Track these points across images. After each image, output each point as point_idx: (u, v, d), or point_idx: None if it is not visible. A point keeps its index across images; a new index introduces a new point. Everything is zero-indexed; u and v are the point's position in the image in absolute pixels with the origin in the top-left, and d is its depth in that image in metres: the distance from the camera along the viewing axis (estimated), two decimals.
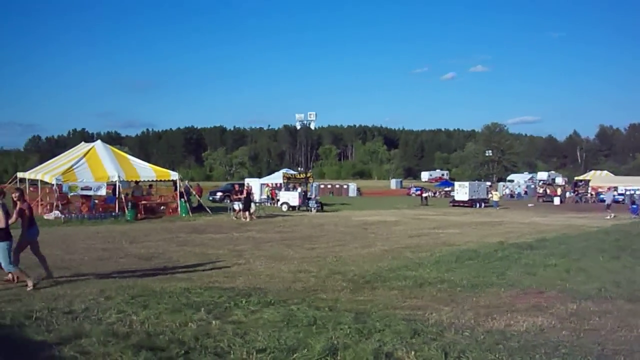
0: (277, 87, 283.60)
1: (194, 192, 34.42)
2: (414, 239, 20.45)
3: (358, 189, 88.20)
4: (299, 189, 42.78)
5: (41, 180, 30.36)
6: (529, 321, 7.88)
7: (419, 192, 66.68)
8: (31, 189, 32.93)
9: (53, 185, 27.62)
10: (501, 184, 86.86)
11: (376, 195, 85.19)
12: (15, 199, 11.37)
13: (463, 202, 48.82)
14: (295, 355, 6.08)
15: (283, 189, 44.05)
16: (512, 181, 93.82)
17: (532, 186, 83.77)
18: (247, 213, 28.83)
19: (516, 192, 77.32)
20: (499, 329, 7.49)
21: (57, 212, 26.76)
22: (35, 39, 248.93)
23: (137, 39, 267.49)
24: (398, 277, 11.97)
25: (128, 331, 6.93)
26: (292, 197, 40.58)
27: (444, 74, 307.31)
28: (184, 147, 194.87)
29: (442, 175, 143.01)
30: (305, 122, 48.43)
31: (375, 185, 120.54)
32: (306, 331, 7.00)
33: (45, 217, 26.87)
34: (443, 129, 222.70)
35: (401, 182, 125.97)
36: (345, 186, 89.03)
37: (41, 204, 29.60)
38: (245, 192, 30.48)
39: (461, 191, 50.44)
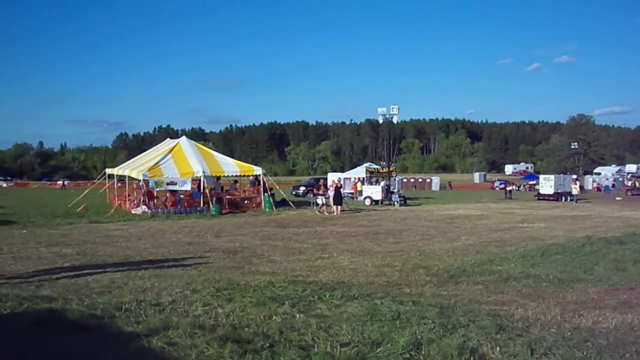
0: (359, 81, 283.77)
1: (277, 187, 34.97)
2: (499, 233, 20.13)
3: (449, 183, 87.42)
4: (382, 183, 42.64)
5: (129, 176, 31.54)
6: (618, 318, 7.57)
7: (503, 186, 65.52)
8: (119, 184, 34.30)
9: (140, 180, 28.63)
10: (588, 177, 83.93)
11: (460, 188, 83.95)
12: None
13: (548, 195, 47.42)
14: (379, 349, 6.07)
15: (366, 183, 44.06)
16: (599, 174, 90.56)
17: (620, 179, 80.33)
18: (336, 207, 29.06)
19: (603, 185, 74.41)
20: (587, 325, 7.23)
21: (144, 206, 27.75)
22: (124, 40, 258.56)
23: (222, 37, 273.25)
24: (483, 271, 11.85)
25: (214, 324, 7.12)
26: (375, 191, 40.51)
27: (529, 65, 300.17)
28: (267, 142, 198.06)
29: (527, 168, 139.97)
30: (387, 115, 48.26)
31: (459, 178, 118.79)
32: (390, 325, 6.99)
33: (132, 211, 27.97)
34: (527, 122, 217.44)
35: (485, 175, 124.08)
36: (428, 180, 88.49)
37: (129, 199, 30.79)
38: (335, 186, 30.66)
39: (546, 184, 49.02)
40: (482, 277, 11.15)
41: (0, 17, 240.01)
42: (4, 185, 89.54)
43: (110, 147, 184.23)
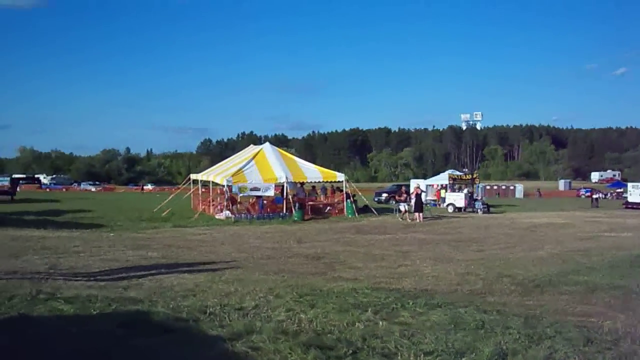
0: (442, 87, 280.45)
1: (359, 193, 34.98)
2: (585, 242, 19.44)
3: (538, 190, 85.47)
4: (465, 190, 42.01)
5: (213, 182, 32.23)
6: None
7: (589, 194, 63.37)
8: (203, 189, 35.12)
9: (224, 186, 29.20)
10: None
11: (544, 196, 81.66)
12: None
13: (637, 204, 45.26)
14: (463, 359, 5.99)
15: (449, 190, 43.56)
16: None
17: None
18: (418, 214, 28.83)
19: None
20: None
21: (227, 212, 28.29)
22: (207, 48, 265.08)
23: (304, 43, 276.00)
24: (568, 281, 11.46)
25: (297, 329, 7.14)
26: (457, 199, 40.00)
27: (616, 70, 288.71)
28: (349, 149, 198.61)
29: (614, 175, 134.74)
30: (470, 122, 47.95)
31: (543, 186, 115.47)
32: (474, 335, 6.87)
33: (216, 216, 28.55)
34: (614, 127, 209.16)
35: (570, 183, 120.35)
36: (511, 187, 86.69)
37: (212, 204, 31.46)
38: (415, 193, 30.41)
39: (635, 192, 46.83)
40: (567, 287, 10.79)
41: (93, 30, 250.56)
42: (93, 189, 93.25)
43: (194, 153, 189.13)
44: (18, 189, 54.44)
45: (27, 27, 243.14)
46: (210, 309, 8.11)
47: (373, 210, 32.75)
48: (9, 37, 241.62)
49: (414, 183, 45.69)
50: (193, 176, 37.65)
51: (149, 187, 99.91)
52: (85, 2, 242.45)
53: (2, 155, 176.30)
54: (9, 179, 74.03)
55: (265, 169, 30.51)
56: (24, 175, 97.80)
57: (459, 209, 38.75)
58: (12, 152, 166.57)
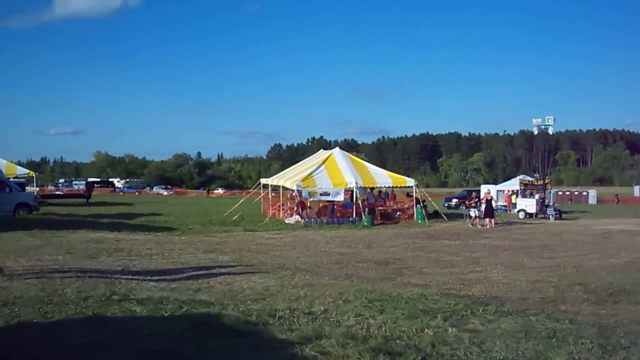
0: (513, 91, 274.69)
1: (429, 198, 34.71)
2: None
3: (616, 195, 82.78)
4: (537, 196, 41.13)
5: (283, 186, 32.57)
6: None
7: None
8: (273, 194, 35.52)
9: (294, 190, 29.48)
10: None
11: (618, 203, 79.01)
12: None
13: None
14: None
15: (520, 196, 42.76)
16: None
17: None
18: (489, 220, 28.43)
19: None
20: None
21: (297, 216, 28.53)
22: (277, 54, 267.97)
23: (376, 48, 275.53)
24: None
25: (366, 334, 7.13)
26: (529, 204, 39.24)
27: None
28: (419, 154, 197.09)
29: None
30: (542, 126, 47.11)
31: (617, 192, 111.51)
32: (545, 344, 6.71)
33: (286, 221, 28.83)
34: None
35: None
36: (584, 193, 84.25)
37: (282, 209, 31.78)
38: (485, 199, 29.98)
39: None
40: None
41: (165, 38, 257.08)
42: (165, 193, 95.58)
43: (264, 157, 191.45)
44: (93, 192, 56.30)
45: (103, 37, 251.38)
46: (280, 313, 8.19)
47: (443, 215, 32.44)
48: (85, 46, 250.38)
49: (484, 188, 45.02)
50: (263, 181, 38.16)
51: (220, 191, 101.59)
52: (157, 10, 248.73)
53: (78, 160, 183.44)
54: (84, 182, 76.79)
55: (335, 174, 30.62)
56: (98, 179, 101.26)
57: (530, 215, 38.04)
58: (88, 157, 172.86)
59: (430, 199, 35.15)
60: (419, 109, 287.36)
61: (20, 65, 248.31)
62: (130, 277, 11.63)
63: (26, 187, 40.86)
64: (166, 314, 8.19)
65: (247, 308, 8.62)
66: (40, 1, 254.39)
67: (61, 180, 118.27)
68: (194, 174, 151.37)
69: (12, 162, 48.57)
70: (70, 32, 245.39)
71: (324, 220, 28.91)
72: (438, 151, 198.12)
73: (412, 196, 32.25)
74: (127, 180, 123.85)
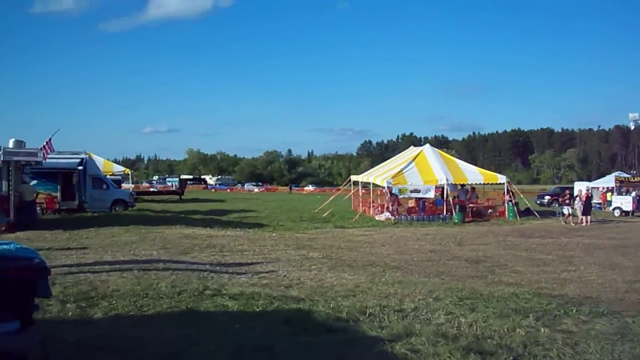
0: (608, 85, 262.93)
1: (521, 195, 33.90)
2: None
3: None
4: (633, 193, 39.31)
5: (373, 183, 32.56)
6: None
7: None
8: (364, 191, 35.57)
9: (384, 187, 29.43)
10: None
11: None
12: None
13: None
14: None
15: (615, 193, 41.03)
16: None
17: None
18: (585, 218, 27.56)
19: None
20: None
21: (387, 213, 28.47)
22: (367, 50, 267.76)
23: (465, 43, 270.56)
24: None
25: (456, 333, 7.09)
26: (625, 202, 37.55)
27: None
28: (511, 150, 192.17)
29: None
30: (639, 121, 44.29)
31: None
32: None
33: (376, 218, 28.81)
34: None
35: None
36: None
37: (373, 206, 31.79)
38: (585, 196, 29.00)
39: None
40: None
41: (254, 37, 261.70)
42: (256, 190, 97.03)
43: (354, 154, 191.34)
44: (186, 189, 57.83)
45: (194, 37, 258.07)
46: (370, 310, 8.23)
47: (535, 213, 31.55)
48: (178, 47, 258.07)
49: (578, 186, 43.49)
50: (353, 177, 38.28)
51: (310, 188, 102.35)
52: (248, 10, 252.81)
53: (171, 157, 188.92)
54: (177, 179, 79.01)
55: (426, 171, 30.36)
56: (191, 176, 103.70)
57: (627, 212, 36.42)
58: (181, 155, 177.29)
59: (522, 196, 34.32)
60: (511, 105, 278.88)
61: (117, 66, 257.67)
62: (222, 272, 11.97)
63: (122, 184, 42.34)
64: (258, 309, 8.38)
65: (337, 304, 8.71)
66: (135, 5, 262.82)
67: (155, 178, 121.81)
68: (284, 171, 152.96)
69: (109, 159, 50.57)
70: (163, 34, 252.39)
71: (415, 217, 28.71)
72: (530, 147, 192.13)
73: (510, 193, 31.49)
74: (219, 177, 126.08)
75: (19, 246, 5.18)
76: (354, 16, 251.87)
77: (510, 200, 30.75)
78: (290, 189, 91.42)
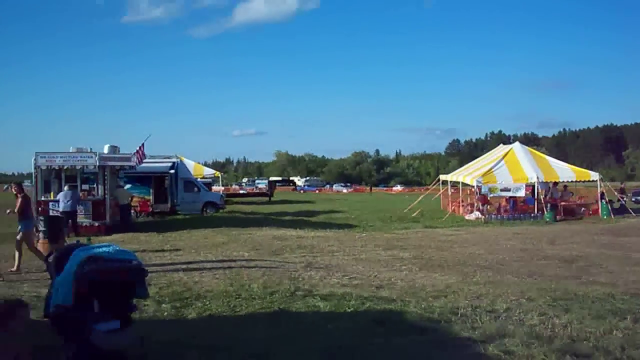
0: None
1: (615, 193, 32.57)
2: None
3: None
4: None
5: (462, 182, 32.11)
6: None
7: None
8: (453, 190, 35.11)
9: (473, 186, 28.97)
10: None
11: None
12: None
13: None
14: None
15: None
16: None
17: None
18: None
19: None
20: None
21: (477, 212, 28.01)
22: (452, 47, 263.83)
23: (552, 38, 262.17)
24: None
25: (551, 334, 6.92)
26: None
27: None
28: (603, 146, 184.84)
29: None
30: None
31: None
32: None
33: (466, 217, 28.38)
34: None
35: None
36: None
37: (462, 205, 31.34)
38: None
39: None
40: None
41: (338, 39, 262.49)
42: (344, 190, 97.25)
43: (442, 153, 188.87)
44: (275, 191, 58.55)
45: (281, 40, 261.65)
46: (462, 311, 8.16)
47: (630, 210, 30.23)
48: (264, 50, 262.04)
49: None
50: (442, 177, 37.88)
51: (399, 187, 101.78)
52: (334, 11, 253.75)
53: (260, 160, 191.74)
54: (266, 181, 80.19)
55: (516, 169, 29.68)
56: (280, 178, 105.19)
57: None
58: (269, 157, 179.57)
59: (616, 193, 32.94)
60: (602, 99, 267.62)
61: (205, 71, 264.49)
62: (313, 273, 12.10)
63: (212, 187, 43.32)
64: (349, 310, 8.45)
65: (428, 305, 8.67)
66: (222, 11, 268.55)
67: (244, 180, 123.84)
68: (372, 171, 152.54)
69: (199, 163, 51.80)
70: (250, 38, 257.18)
71: (505, 216, 28.08)
72: (624, 143, 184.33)
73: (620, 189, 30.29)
74: (308, 178, 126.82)
75: (117, 248, 5.42)
76: (441, 13, 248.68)
77: (603, 198, 29.63)
78: (371, 189, 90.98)
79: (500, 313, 8.09)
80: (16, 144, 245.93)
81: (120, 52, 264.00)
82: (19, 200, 13.63)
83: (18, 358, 4.25)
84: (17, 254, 12.99)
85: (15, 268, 12.70)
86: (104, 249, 5.31)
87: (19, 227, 13.52)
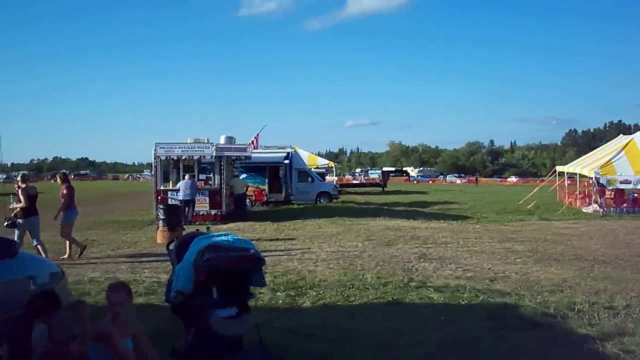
0: None
1: None
2: None
3: None
4: None
5: (579, 174, 30.81)
6: None
7: None
8: (569, 182, 33.74)
9: (591, 178, 27.73)
10: None
11: None
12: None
13: None
14: None
15: None
16: None
17: None
18: None
19: None
20: None
21: (595, 205, 26.80)
22: (566, 34, 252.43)
23: None
24: None
25: None
26: None
27: None
28: None
29: None
30: None
31: None
32: None
33: (583, 210, 27.24)
34: None
35: None
36: None
37: (579, 197, 30.08)
38: None
39: None
40: None
41: (452, 32, 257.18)
42: (458, 181, 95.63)
43: (559, 144, 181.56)
44: (388, 181, 58.28)
45: (393, 31, 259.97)
46: (579, 306, 7.89)
47: None
48: (377, 41, 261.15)
49: None
50: (559, 168, 36.46)
51: (513, 179, 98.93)
52: (444, 2, 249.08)
53: (373, 150, 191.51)
54: (379, 172, 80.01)
55: (637, 160, 28.08)
56: (393, 169, 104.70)
57: None
58: (382, 147, 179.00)
59: None
60: None
61: (319, 62, 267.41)
62: (426, 264, 12.03)
63: (326, 177, 43.64)
64: (463, 302, 8.37)
65: (544, 299, 8.45)
66: (334, 2, 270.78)
67: (358, 170, 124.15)
68: (486, 162, 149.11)
69: (313, 153, 52.34)
70: (363, 28, 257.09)
71: (625, 209, 26.70)
72: None
73: None
74: (421, 169, 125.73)
75: (236, 237, 5.56)
76: (554, 2, 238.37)
77: None
78: (476, 180, 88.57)
79: (619, 310, 7.74)
80: (135, 135, 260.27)
81: (235, 46, 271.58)
82: (64, 189, 13.82)
83: (136, 339, 4.49)
84: (67, 242, 13.57)
85: (68, 255, 13.30)
86: (223, 237, 5.42)
87: (61, 216, 13.76)
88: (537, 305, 8.05)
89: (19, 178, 13.06)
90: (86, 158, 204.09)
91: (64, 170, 17.65)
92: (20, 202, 12.33)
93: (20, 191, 12.46)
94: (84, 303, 4.60)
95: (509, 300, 8.43)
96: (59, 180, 14.72)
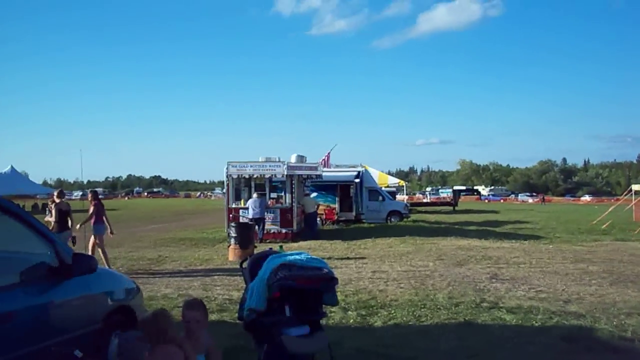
0: None
1: None
2: None
3: None
4: None
5: None
6: None
7: None
8: None
9: None
10: None
11: None
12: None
13: None
14: None
15: None
16: None
17: None
18: None
19: None
20: None
21: None
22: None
23: None
24: None
25: None
26: None
27: None
28: None
29: None
30: None
31: None
32: None
33: None
34: None
35: None
36: None
37: None
38: None
39: None
40: None
41: (526, 48, 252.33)
42: (530, 200, 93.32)
43: (634, 162, 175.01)
44: (459, 200, 57.58)
45: (464, 47, 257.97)
46: None
47: None
48: (448, 59, 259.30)
49: None
50: (635, 187, 35.11)
51: (587, 198, 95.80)
52: (513, 17, 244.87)
53: (444, 169, 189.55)
54: (450, 190, 78.99)
55: None
56: (464, 187, 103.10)
57: None
58: (453, 166, 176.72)
59: None
60: None
61: (390, 82, 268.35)
62: (498, 285, 11.75)
63: (396, 196, 43.40)
64: (536, 324, 8.13)
65: (620, 322, 8.12)
66: (405, 21, 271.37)
67: (428, 189, 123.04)
68: (559, 180, 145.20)
69: (383, 172, 52.15)
70: (434, 47, 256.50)
71: None
72: None
73: None
74: (492, 187, 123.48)
75: (309, 256, 5.56)
76: (631, 17, 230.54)
77: None
78: (543, 199, 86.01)
79: None
80: (206, 153, 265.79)
81: (306, 65, 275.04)
82: (92, 206, 14.21)
83: (209, 356, 4.53)
84: (101, 254, 13.94)
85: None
86: (296, 256, 5.42)
87: (92, 231, 14.26)
88: (613, 329, 7.73)
89: (55, 193, 13.58)
90: (159, 176, 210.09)
91: (95, 189, 18.04)
92: (51, 216, 12.86)
93: (53, 206, 12.97)
94: (165, 312, 4.66)
95: (584, 323, 8.13)
96: (89, 197, 15.02)
